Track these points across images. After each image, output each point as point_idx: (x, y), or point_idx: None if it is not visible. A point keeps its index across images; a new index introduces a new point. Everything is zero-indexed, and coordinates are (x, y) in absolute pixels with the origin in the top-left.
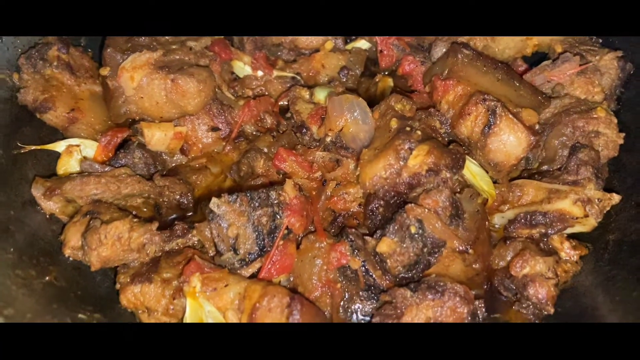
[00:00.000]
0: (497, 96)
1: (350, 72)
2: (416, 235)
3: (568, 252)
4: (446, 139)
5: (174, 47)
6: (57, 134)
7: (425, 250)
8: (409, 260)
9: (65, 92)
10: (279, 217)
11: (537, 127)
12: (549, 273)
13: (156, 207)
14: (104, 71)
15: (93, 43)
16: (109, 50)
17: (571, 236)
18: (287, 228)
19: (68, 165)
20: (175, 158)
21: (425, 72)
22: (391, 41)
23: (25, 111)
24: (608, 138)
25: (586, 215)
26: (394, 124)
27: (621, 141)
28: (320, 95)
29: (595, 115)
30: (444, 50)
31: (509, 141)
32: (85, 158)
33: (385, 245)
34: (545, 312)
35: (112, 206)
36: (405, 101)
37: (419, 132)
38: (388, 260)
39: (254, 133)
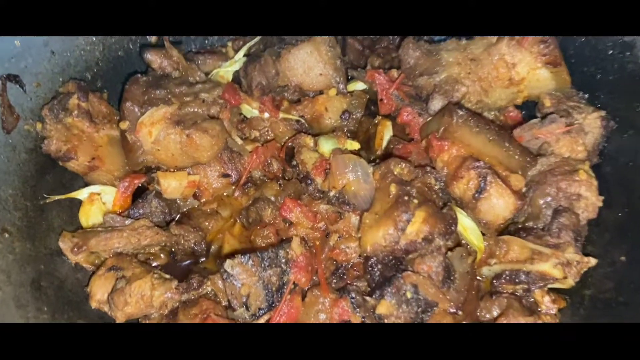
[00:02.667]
0: (488, 157)
1: (352, 115)
2: (412, 300)
3: (548, 305)
4: (440, 195)
5: (187, 99)
6: (78, 179)
7: (419, 310)
8: (405, 321)
9: (85, 140)
10: (286, 274)
11: (523, 189)
12: None
13: (172, 253)
14: (124, 125)
15: (108, 83)
16: (127, 103)
17: (551, 289)
18: (294, 283)
19: (90, 212)
20: (188, 202)
21: (422, 125)
22: (391, 90)
23: (48, 159)
24: (588, 201)
25: (565, 277)
26: (393, 189)
27: (600, 204)
28: (325, 147)
29: (577, 178)
30: (440, 104)
31: (498, 204)
32: (104, 204)
33: (384, 308)
34: None
35: (133, 259)
36: (403, 165)
37: (415, 201)
38: (386, 320)
39: (262, 178)
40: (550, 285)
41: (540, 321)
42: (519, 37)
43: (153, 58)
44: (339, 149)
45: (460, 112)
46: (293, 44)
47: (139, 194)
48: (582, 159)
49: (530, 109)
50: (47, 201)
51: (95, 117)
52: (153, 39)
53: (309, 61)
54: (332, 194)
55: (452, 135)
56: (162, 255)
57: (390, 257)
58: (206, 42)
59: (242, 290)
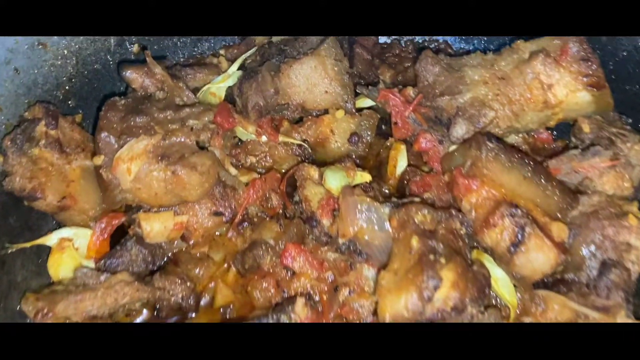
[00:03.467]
0: (523, 199)
1: (362, 138)
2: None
3: None
4: (467, 242)
5: (173, 127)
6: (47, 219)
7: None
8: None
9: (54, 175)
10: None
11: (566, 241)
12: None
13: (156, 309)
14: (98, 160)
15: (83, 102)
16: (103, 134)
17: None
18: None
19: (60, 262)
20: (175, 245)
21: (444, 156)
22: (407, 113)
23: (11, 198)
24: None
25: None
26: (415, 243)
27: None
28: (332, 182)
29: (626, 224)
30: (465, 130)
31: (537, 259)
32: (77, 250)
33: None
34: None
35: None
36: (426, 211)
37: (443, 261)
38: None
39: (260, 214)
40: None
41: None
42: (556, 52)
43: (133, 77)
44: (348, 186)
45: (491, 145)
46: (294, 57)
47: (118, 236)
48: (628, 196)
49: (561, 129)
50: (10, 251)
51: (67, 146)
52: (135, 49)
53: (312, 77)
54: (341, 241)
55: (481, 171)
56: (144, 310)
57: None
58: (195, 49)
59: None
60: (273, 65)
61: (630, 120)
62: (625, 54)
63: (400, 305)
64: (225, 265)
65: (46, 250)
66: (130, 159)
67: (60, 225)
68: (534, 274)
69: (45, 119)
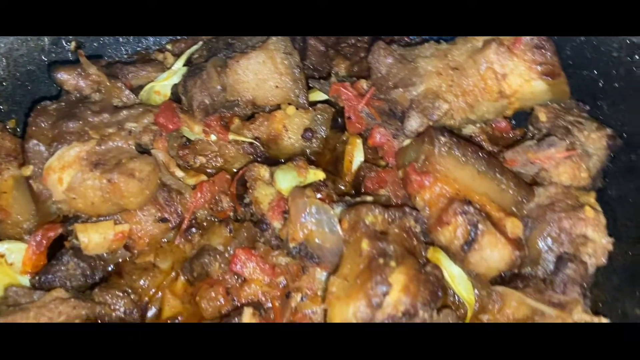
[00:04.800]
0: (478, 194)
1: (316, 134)
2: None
3: None
4: (422, 240)
5: (110, 131)
6: None
7: None
8: None
9: None
10: None
11: (521, 237)
12: None
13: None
14: (27, 171)
15: (16, 107)
16: (32, 142)
17: None
18: None
19: None
20: (118, 255)
21: (398, 151)
22: (360, 107)
23: None
24: (596, 244)
25: None
26: (365, 246)
27: (610, 247)
28: (282, 182)
29: (583, 216)
30: (418, 123)
31: (492, 257)
32: (11, 266)
33: None
34: None
35: None
36: (377, 212)
37: (393, 264)
38: None
39: (209, 218)
40: None
41: None
42: (509, 41)
43: (65, 78)
44: (298, 187)
45: (444, 139)
46: (242, 51)
47: (57, 248)
48: (585, 186)
49: (520, 118)
50: None
51: None
52: (72, 46)
53: (262, 72)
54: (292, 245)
55: (434, 167)
56: None
57: None
58: (140, 45)
59: None
60: (220, 61)
61: (587, 108)
62: (582, 38)
63: (349, 314)
64: (174, 273)
65: None
66: (61, 168)
67: None
68: (489, 272)
69: None
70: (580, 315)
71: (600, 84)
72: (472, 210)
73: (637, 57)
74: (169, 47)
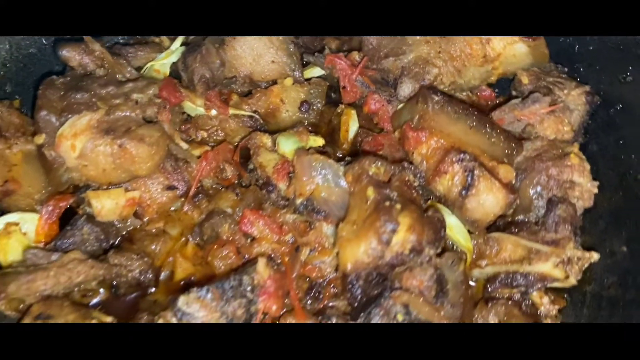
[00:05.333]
0: (471, 146)
1: (312, 106)
2: (404, 322)
3: (547, 307)
4: (421, 193)
5: (116, 102)
6: None
7: None
8: None
9: None
10: (254, 304)
11: (513, 181)
12: None
13: (113, 287)
14: (39, 139)
15: (20, 88)
16: (42, 112)
17: (549, 288)
18: (263, 313)
19: (8, 247)
20: (128, 223)
21: (393, 114)
22: (354, 76)
23: None
24: (583, 188)
25: (567, 277)
26: (370, 193)
27: (595, 190)
28: (285, 146)
29: (568, 163)
30: (411, 88)
31: (488, 201)
32: (25, 235)
33: None
34: None
35: (64, 302)
36: (379, 163)
37: (398, 207)
38: None
39: (215, 187)
40: (548, 285)
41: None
42: None
43: (70, 55)
44: (302, 148)
45: (436, 98)
46: None
47: (67, 219)
48: (568, 139)
49: (502, 86)
50: None
51: (5, 131)
52: None
53: (258, 47)
54: (299, 201)
55: (429, 124)
56: (101, 290)
57: (373, 274)
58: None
59: None
60: (216, 38)
61: (566, 69)
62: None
63: (360, 252)
64: (183, 239)
65: None
66: (73, 135)
67: (3, 212)
68: (486, 217)
69: None
70: (572, 251)
71: (576, 48)
72: (468, 157)
73: None
74: None
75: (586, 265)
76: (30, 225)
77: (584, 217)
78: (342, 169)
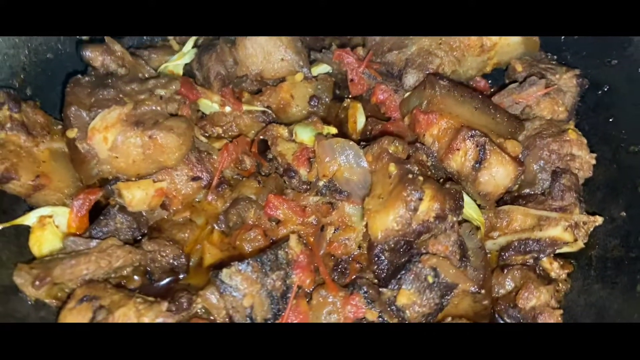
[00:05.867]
0: (478, 126)
1: (321, 100)
2: (434, 285)
3: (557, 272)
4: (433, 171)
5: (142, 97)
6: (20, 203)
7: (441, 295)
8: (428, 310)
9: (25, 156)
10: (289, 276)
11: (520, 155)
12: (553, 302)
13: (147, 273)
14: (72, 133)
15: (39, 91)
16: (72, 108)
17: (556, 255)
18: (298, 286)
19: (43, 239)
20: (155, 214)
21: (401, 102)
22: (361, 70)
23: None
24: (582, 160)
25: (575, 239)
26: (392, 169)
27: (594, 161)
28: (304, 135)
29: (567, 138)
30: (416, 78)
31: (499, 173)
32: (57, 228)
33: (405, 298)
34: None
35: (107, 285)
36: (397, 142)
37: (421, 178)
38: (407, 311)
39: (235, 177)
40: (558, 250)
41: (557, 288)
42: None
43: (93, 55)
44: (320, 134)
45: (443, 83)
46: None
47: (94, 213)
48: (564, 119)
49: (495, 78)
50: None
51: (32, 129)
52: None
53: (267, 46)
54: (321, 183)
55: (438, 107)
56: (135, 277)
57: (401, 242)
58: (144, 38)
59: (245, 301)
60: (228, 39)
61: (555, 57)
62: None
63: (389, 220)
64: (209, 227)
65: (25, 234)
66: (105, 128)
67: (32, 208)
68: (497, 189)
69: (7, 103)
70: (578, 216)
71: (562, 38)
72: (479, 133)
73: None
74: (170, 37)
75: (591, 229)
76: (61, 218)
77: (583, 189)
78: (362, 150)
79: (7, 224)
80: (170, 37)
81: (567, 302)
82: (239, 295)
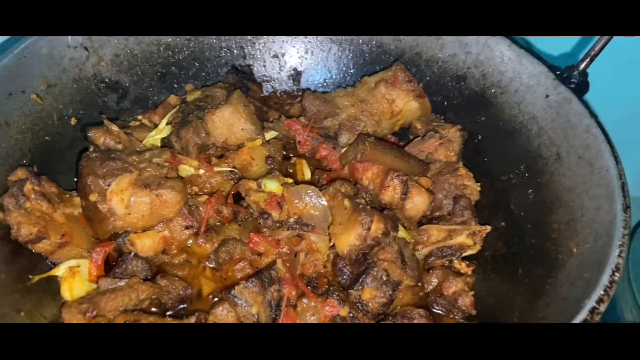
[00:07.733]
0: (400, 169)
1: (275, 159)
2: (387, 282)
3: (465, 269)
4: (372, 204)
5: (143, 165)
6: (42, 261)
7: (392, 289)
8: (386, 300)
9: (49, 220)
10: (281, 290)
11: (430, 188)
12: (466, 287)
13: (161, 304)
14: (94, 197)
15: (42, 168)
16: (90, 178)
17: (462, 258)
18: (287, 298)
19: (73, 285)
20: (157, 258)
21: (340, 156)
22: (306, 134)
23: (16, 244)
24: (472, 188)
25: (475, 243)
26: (347, 203)
27: (479, 189)
28: (272, 185)
29: (460, 174)
30: (348, 137)
31: (418, 202)
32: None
33: (368, 294)
34: (470, 314)
35: (140, 312)
36: (347, 184)
37: (368, 207)
38: (370, 304)
39: (217, 224)
40: (463, 255)
41: (467, 280)
42: (391, 78)
43: (97, 135)
44: (286, 183)
45: (370, 140)
46: (215, 106)
47: (107, 263)
48: (455, 161)
49: (400, 135)
50: (32, 282)
51: (50, 198)
52: (72, 121)
53: (230, 119)
54: (292, 220)
55: (369, 157)
56: (153, 308)
57: (360, 254)
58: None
59: (253, 309)
60: (199, 116)
61: (442, 117)
62: (428, 78)
63: (352, 238)
64: (202, 265)
65: (51, 285)
66: (120, 191)
67: (54, 264)
68: (418, 213)
69: (30, 178)
70: (475, 227)
71: (445, 103)
72: (402, 173)
73: (462, 83)
74: (139, 117)
75: (484, 235)
76: (83, 268)
77: (475, 208)
78: (320, 192)
79: (43, 275)
80: (139, 117)
81: (475, 289)
82: (248, 306)
